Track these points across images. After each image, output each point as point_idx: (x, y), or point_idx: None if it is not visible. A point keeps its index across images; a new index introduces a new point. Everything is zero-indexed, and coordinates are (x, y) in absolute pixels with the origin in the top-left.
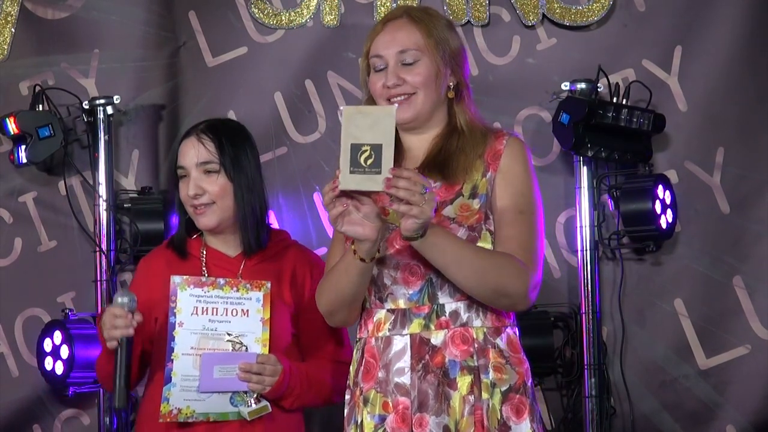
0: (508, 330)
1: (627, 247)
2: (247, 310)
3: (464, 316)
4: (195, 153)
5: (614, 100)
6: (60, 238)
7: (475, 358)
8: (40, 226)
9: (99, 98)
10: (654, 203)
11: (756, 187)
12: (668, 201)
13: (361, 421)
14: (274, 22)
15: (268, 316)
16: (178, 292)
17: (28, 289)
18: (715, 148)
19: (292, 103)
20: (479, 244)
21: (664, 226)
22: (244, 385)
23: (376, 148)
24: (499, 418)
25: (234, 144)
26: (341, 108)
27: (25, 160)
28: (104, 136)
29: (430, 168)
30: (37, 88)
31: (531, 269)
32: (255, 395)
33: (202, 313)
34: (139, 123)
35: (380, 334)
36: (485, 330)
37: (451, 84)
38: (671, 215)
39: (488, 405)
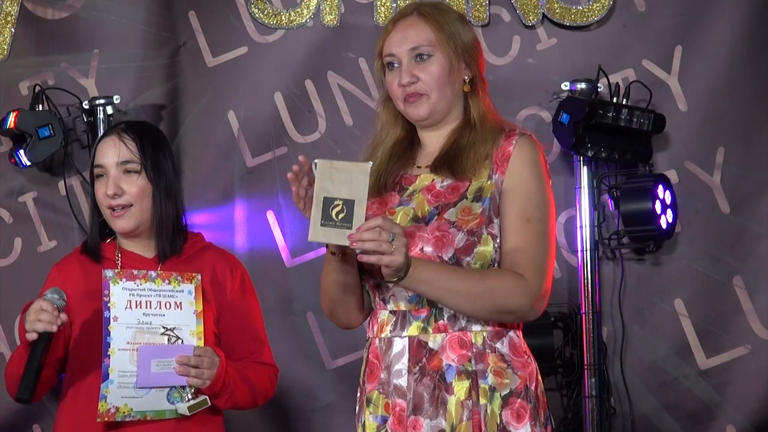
0: (511, 333)
1: (627, 247)
2: (180, 303)
3: (463, 320)
4: (116, 152)
5: (614, 100)
6: (60, 238)
7: (472, 362)
8: (40, 226)
9: (99, 98)
10: (654, 203)
11: (756, 187)
12: (668, 201)
13: (365, 421)
14: (274, 22)
15: (201, 308)
16: (110, 286)
17: (28, 289)
18: (716, 148)
19: (292, 103)
20: (479, 248)
21: (664, 226)
22: (182, 380)
23: (349, 204)
24: (498, 422)
25: (154, 146)
26: (315, 161)
27: (28, 162)
28: None
29: (441, 166)
30: (37, 88)
31: (534, 281)
32: (192, 390)
33: (136, 307)
34: None
35: (383, 335)
36: (485, 334)
37: (466, 78)
38: (671, 215)
39: (486, 410)
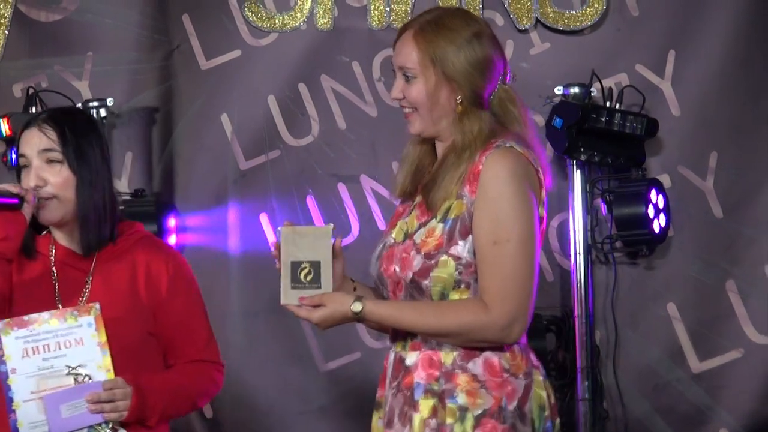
0: (487, 353)
1: (620, 251)
2: (81, 338)
3: (434, 340)
4: (37, 141)
5: (607, 104)
6: None
7: (440, 382)
8: None
9: (92, 101)
10: (647, 207)
11: (749, 191)
12: (661, 205)
13: (372, 423)
14: (268, 25)
15: (105, 338)
16: (2, 338)
17: None
18: (708, 152)
19: (285, 106)
20: (435, 272)
21: (657, 230)
22: (98, 417)
23: (315, 265)
24: None
25: (78, 134)
26: (279, 228)
27: None
28: None
29: (424, 188)
30: (31, 91)
31: (499, 310)
32: (111, 425)
33: (34, 353)
34: (133, 126)
35: (388, 345)
36: (455, 354)
37: (458, 98)
38: (664, 219)
39: (453, 429)
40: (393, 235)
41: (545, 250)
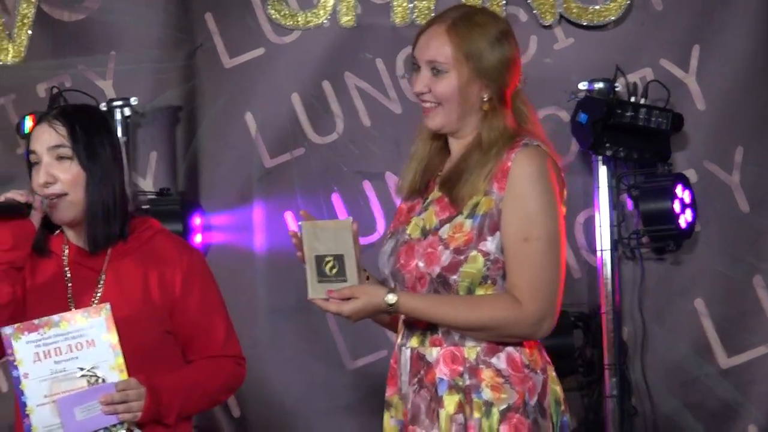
0: (509, 349)
1: (647, 246)
2: (93, 340)
3: (456, 335)
4: (47, 137)
5: (632, 99)
6: None
7: (465, 377)
8: None
9: (116, 100)
10: (673, 203)
11: None
12: (687, 200)
13: (384, 423)
14: (291, 23)
15: (116, 339)
16: (13, 344)
17: None
18: (734, 147)
19: (309, 104)
20: (465, 267)
21: (683, 225)
22: (112, 419)
23: (339, 258)
24: None
25: (88, 131)
26: (300, 223)
27: None
28: (122, 137)
29: (444, 184)
30: (54, 90)
31: (532, 305)
32: (126, 425)
33: (45, 357)
34: (157, 125)
35: (398, 343)
36: (479, 350)
37: (484, 97)
38: (691, 215)
39: (481, 424)
40: (408, 232)
41: (571, 246)
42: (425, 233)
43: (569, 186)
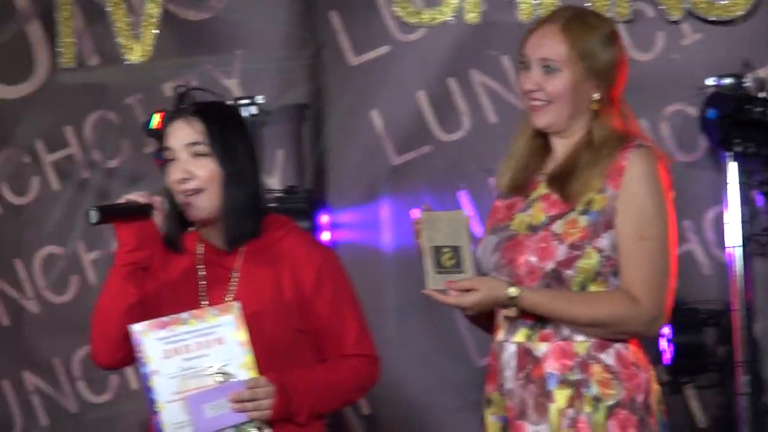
0: (617, 345)
1: None
2: (222, 338)
3: (566, 330)
4: (183, 133)
5: (761, 94)
6: None
7: (575, 372)
8: None
9: (242, 98)
10: None
11: None
12: None
13: (485, 420)
14: (416, 20)
15: (246, 337)
16: (142, 340)
17: None
18: None
19: (435, 101)
20: (581, 262)
21: None
22: (242, 416)
23: (456, 249)
24: None
25: (224, 127)
26: (417, 213)
27: None
28: None
29: (554, 183)
30: (181, 89)
31: (649, 303)
32: (255, 423)
33: (175, 355)
34: (283, 123)
35: (497, 339)
36: (588, 345)
37: (595, 96)
38: None
39: (591, 419)
40: (513, 227)
41: (701, 243)
42: (533, 229)
43: (697, 183)
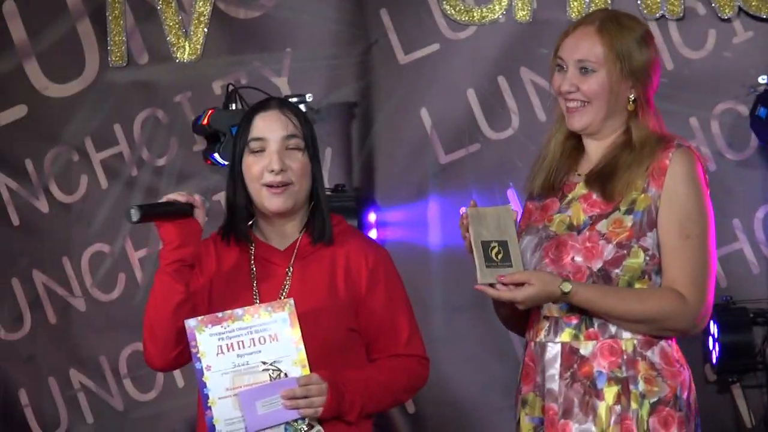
0: (662, 342)
1: None
2: (276, 334)
3: (613, 328)
4: (280, 125)
5: None
6: None
7: (623, 369)
8: None
9: (291, 96)
10: None
11: None
12: None
13: (519, 420)
14: (466, 18)
15: (299, 334)
16: (196, 336)
17: None
18: None
19: (484, 99)
20: (628, 261)
21: None
22: (294, 413)
23: (503, 244)
24: (645, 429)
25: (308, 123)
26: (463, 210)
27: (222, 161)
28: None
29: (594, 182)
30: (230, 87)
31: (696, 300)
32: (307, 421)
33: (229, 350)
34: (332, 121)
35: (538, 340)
36: (635, 342)
37: (630, 97)
38: None
39: (637, 415)
40: (552, 228)
41: (750, 241)
42: (573, 229)
43: (747, 181)
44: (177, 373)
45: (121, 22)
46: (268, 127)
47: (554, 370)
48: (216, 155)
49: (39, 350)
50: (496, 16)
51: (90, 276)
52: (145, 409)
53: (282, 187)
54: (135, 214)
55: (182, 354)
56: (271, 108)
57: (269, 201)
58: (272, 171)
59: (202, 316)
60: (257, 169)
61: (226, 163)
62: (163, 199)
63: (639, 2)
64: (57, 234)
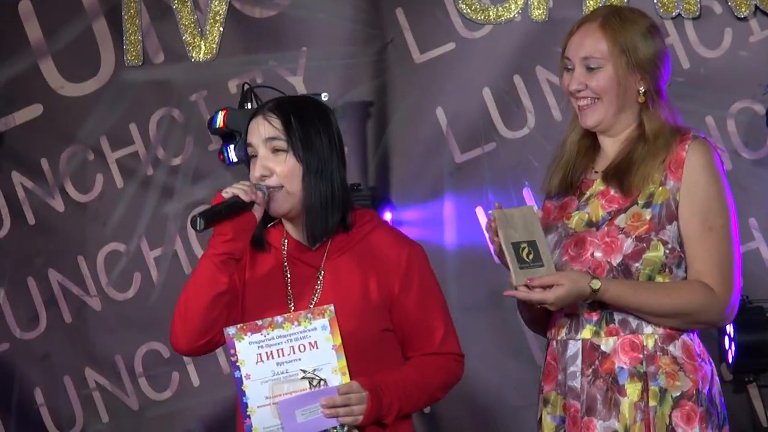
0: (684, 337)
1: None
2: (315, 342)
3: (634, 323)
4: (263, 129)
5: None
6: None
7: (644, 364)
8: None
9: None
10: None
11: None
12: None
13: (541, 419)
14: (482, 17)
15: (339, 341)
16: (236, 344)
17: None
18: None
19: (500, 98)
20: (648, 254)
21: None
22: (333, 422)
23: (532, 244)
24: (667, 424)
25: (303, 122)
26: (489, 212)
27: (234, 159)
28: None
29: (611, 177)
30: (246, 87)
31: (724, 292)
32: (346, 428)
33: (268, 359)
34: (347, 120)
35: (559, 338)
36: (656, 337)
37: (640, 89)
38: None
39: (656, 411)
40: (571, 225)
41: (766, 239)
42: (592, 225)
43: (764, 180)
44: (192, 372)
45: (137, 21)
46: (254, 132)
47: (576, 367)
48: (230, 151)
49: (54, 349)
50: (511, 15)
51: (105, 275)
52: (161, 408)
53: (274, 191)
54: (200, 224)
55: (209, 343)
56: (258, 113)
57: (268, 206)
58: (256, 177)
59: (241, 324)
60: (252, 174)
61: (234, 161)
62: (226, 193)
63: (655, 1)
64: (72, 233)
